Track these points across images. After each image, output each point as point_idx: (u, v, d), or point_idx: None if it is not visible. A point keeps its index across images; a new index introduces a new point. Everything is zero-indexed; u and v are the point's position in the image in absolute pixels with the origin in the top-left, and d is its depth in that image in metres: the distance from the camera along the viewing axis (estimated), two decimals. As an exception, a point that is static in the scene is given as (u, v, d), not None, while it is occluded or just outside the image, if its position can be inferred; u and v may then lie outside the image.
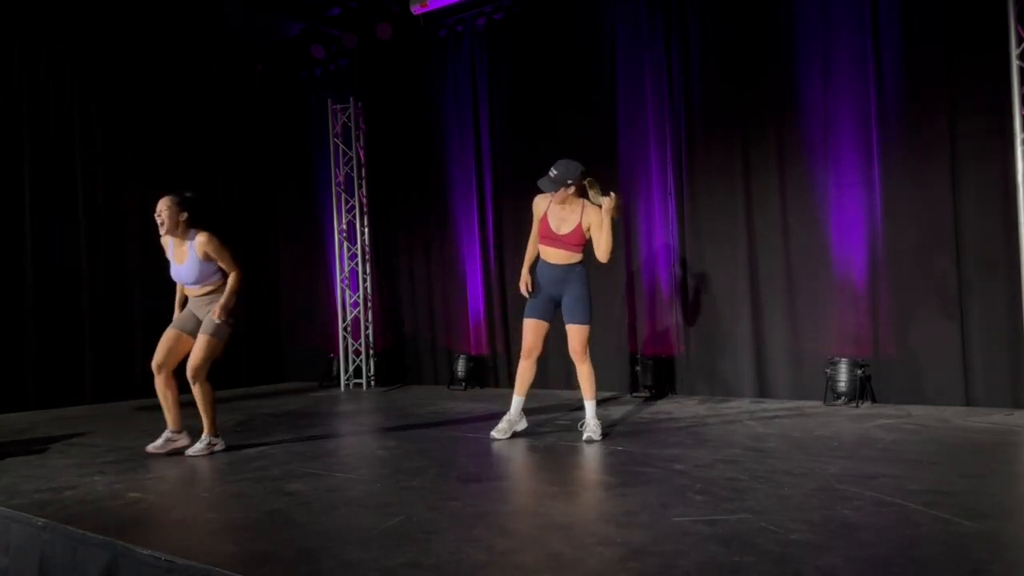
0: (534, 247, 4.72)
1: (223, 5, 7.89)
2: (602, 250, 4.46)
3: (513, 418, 4.76)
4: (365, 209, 8.43)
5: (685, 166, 6.46)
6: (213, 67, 8.81)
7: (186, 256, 4.47)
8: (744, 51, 6.14)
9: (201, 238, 4.42)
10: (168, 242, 4.55)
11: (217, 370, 8.66)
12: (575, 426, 4.74)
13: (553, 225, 4.56)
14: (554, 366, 6.78)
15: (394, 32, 7.96)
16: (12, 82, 7.20)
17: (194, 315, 4.58)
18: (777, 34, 5.99)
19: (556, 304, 4.63)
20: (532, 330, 4.64)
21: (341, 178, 8.40)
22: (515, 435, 4.76)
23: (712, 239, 6.35)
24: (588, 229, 4.50)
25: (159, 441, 4.59)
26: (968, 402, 5.26)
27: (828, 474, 3.47)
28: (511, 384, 4.86)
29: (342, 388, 8.20)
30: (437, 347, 8.15)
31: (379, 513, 3.12)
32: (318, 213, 9.01)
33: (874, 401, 5.61)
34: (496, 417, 4.92)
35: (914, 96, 5.45)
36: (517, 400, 4.75)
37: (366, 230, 8.43)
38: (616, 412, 5.66)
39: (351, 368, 8.32)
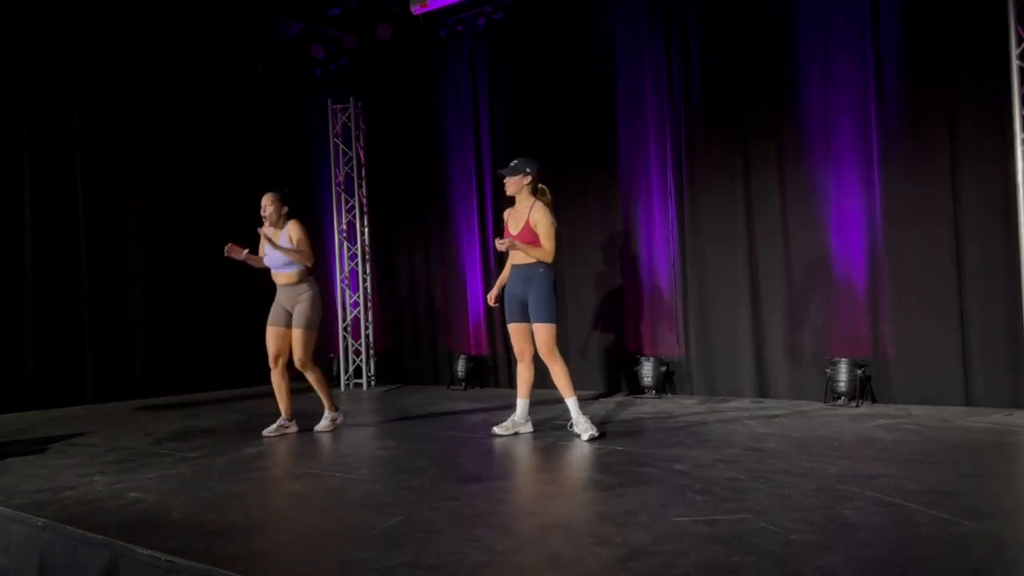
0: (509, 263, 4.82)
1: (223, 5, 7.89)
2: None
3: (518, 419, 4.85)
4: (365, 209, 8.44)
5: (685, 166, 6.46)
6: (213, 67, 8.81)
7: (278, 240, 4.99)
8: (744, 51, 6.14)
9: (292, 225, 5.02)
10: (265, 233, 5.06)
11: (217, 370, 8.74)
12: (567, 427, 4.74)
13: (511, 227, 4.70)
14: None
15: (394, 32, 7.96)
16: (12, 82, 7.20)
17: (283, 307, 5.05)
18: (777, 34, 5.99)
19: (525, 305, 4.67)
20: (515, 334, 4.76)
21: (341, 178, 8.40)
22: (518, 435, 4.80)
23: (712, 239, 6.34)
24: (536, 226, 4.56)
25: (273, 427, 5.10)
26: (968, 402, 5.26)
27: (828, 474, 3.47)
28: (511, 384, 4.89)
29: (342, 388, 8.20)
30: (437, 347, 8.15)
31: (379, 513, 3.12)
32: (318, 213, 9.00)
33: (874, 401, 5.61)
34: (495, 417, 4.95)
35: (914, 96, 5.45)
36: (521, 403, 4.84)
37: (366, 230, 8.43)
38: (616, 412, 5.66)
39: (351, 368, 8.32)
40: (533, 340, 4.72)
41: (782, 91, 5.97)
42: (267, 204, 5.03)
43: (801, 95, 5.90)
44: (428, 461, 4.11)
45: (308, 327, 4.96)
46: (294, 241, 4.97)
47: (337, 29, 8.31)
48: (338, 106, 8.40)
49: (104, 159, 7.83)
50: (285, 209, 5.09)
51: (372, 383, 8.25)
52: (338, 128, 8.41)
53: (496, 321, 7.62)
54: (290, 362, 5.06)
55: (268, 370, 5.10)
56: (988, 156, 5.17)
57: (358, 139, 8.47)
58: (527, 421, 4.88)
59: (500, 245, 4.55)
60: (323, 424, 5.17)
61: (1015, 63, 4.93)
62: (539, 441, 4.60)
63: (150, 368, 8.07)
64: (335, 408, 5.24)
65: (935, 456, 3.83)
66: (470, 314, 7.85)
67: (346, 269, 8.35)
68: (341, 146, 8.42)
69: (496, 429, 4.83)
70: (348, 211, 8.38)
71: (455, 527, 2.84)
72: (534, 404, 6.10)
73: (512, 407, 4.97)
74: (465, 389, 7.57)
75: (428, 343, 8.22)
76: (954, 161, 5.29)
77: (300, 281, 5.02)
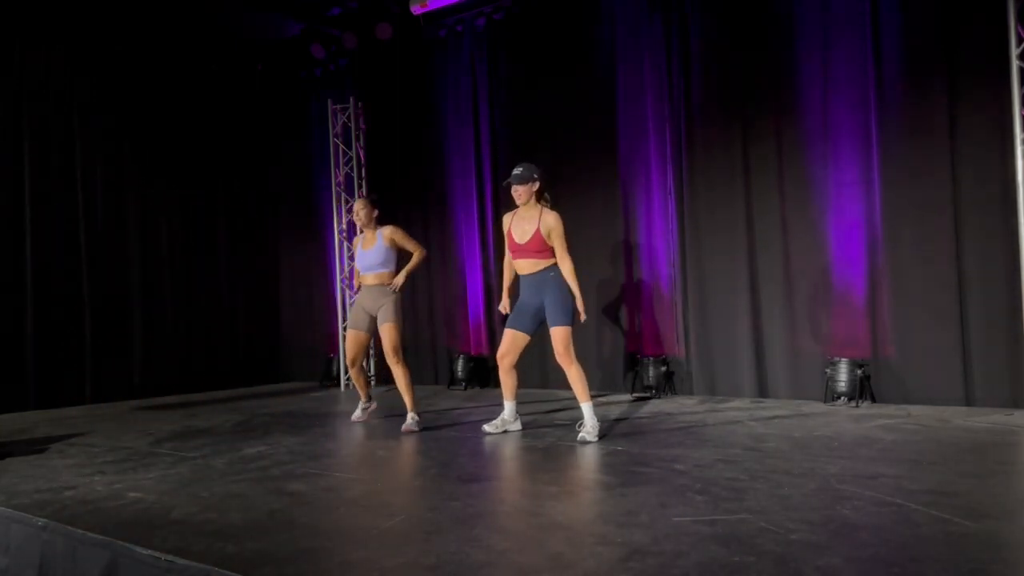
0: (508, 268, 4.84)
1: (223, 5, 7.89)
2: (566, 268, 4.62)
3: (507, 419, 4.91)
4: (365, 209, 8.43)
5: (685, 166, 6.46)
6: (213, 67, 8.81)
7: (373, 243, 5.31)
8: (743, 52, 6.14)
9: (388, 228, 5.33)
10: (359, 238, 5.44)
11: (217, 370, 8.73)
12: (574, 426, 4.74)
13: (516, 236, 4.65)
14: (554, 366, 6.73)
15: (394, 32, 7.96)
16: (12, 82, 7.20)
17: (364, 310, 5.35)
18: (777, 35, 5.99)
19: (541, 317, 4.66)
20: (506, 338, 4.76)
21: (341, 178, 8.41)
22: (508, 432, 4.86)
23: (712, 239, 6.35)
24: (548, 236, 4.55)
25: (358, 412, 5.67)
26: (968, 402, 5.27)
27: (828, 474, 3.47)
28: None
29: (342, 388, 8.20)
30: (437, 347, 8.15)
31: (379, 513, 3.12)
32: (318, 213, 9.01)
33: (874, 401, 5.61)
34: (495, 417, 4.96)
35: (914, 96, 5.45)
36: (508, 405, 4.90)
37: (366, 230, 8.43)
38: (616, 412, 5.66)
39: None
40: (521, 350, 4.76)
41: (782, 91, 5.97)
42: (358, 209, 5.37)
43: (801, 95, 5.90)
44: (428, 461, 4.11)
45: (394, 320, 5.22)
46: (396, 242, 5.29)
47: (337, 29, 8.31)
48: (338, 106, 8.40)
49: (104, 159, 7.83)
50: (376, 212, 5.37)
51: (372, 383, 8.24)
52: (338, 128, 8.41)
53: (496, 321, 7.62)
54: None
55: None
56: (988, 156, 5.18)
57: (358, 139, 8.47)
58: (516, 419, 4.95)
59: (503, 308, 4.87)
60: (409, 424, 5.14)
61: (1015, 63, 4.93)
62: (539, 441, 4.60)
63: (150, 368, 8.07)
64: (418, 411, 5.27)
65: (935, 456, 3.83)
66: (470, 314, 7.85)
67: (346, 269, 8.35)
68: (341, 146, 8.42)
69: (486, 427, 4.89)
70: (348, 211, 8.38)
71: (455, 527, 2.84)
72: (536, 404, 6.12)
73: (511, 407, 4.99)
74: (465, 389, 7.57)
75: (428, 343, 8.22)
76: (954, 161, 5.29)
77: (388, 282, 5.30)
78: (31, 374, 7.18)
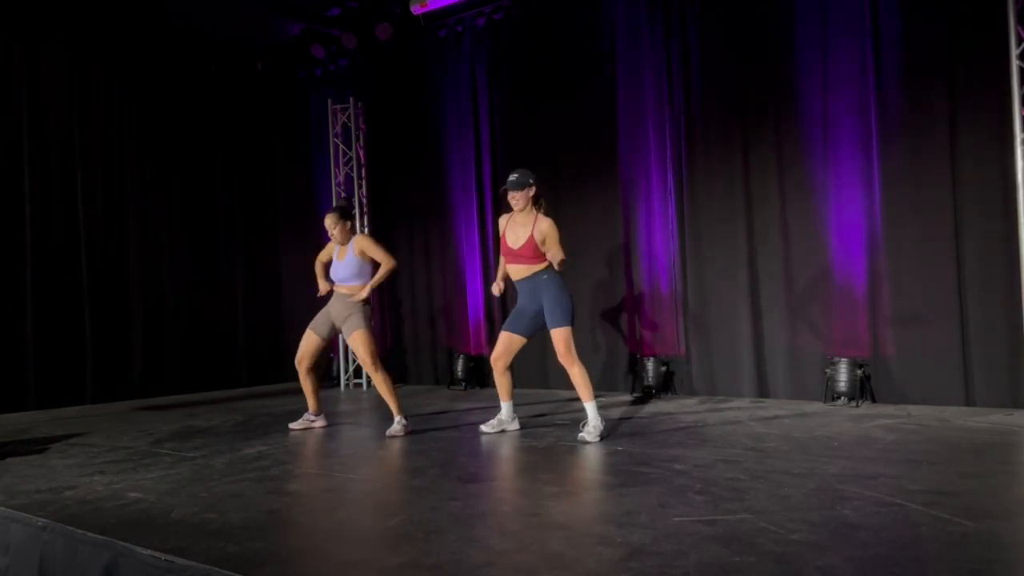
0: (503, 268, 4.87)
1: (224, 4, 7.88)
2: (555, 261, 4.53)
3: (504, 419, 4.93)
4: (365, 209, 8.44)
5: (685, 166, 6.46)
6: (213, 67, 8.81)
7: (345, 255, 5.11)
8: (743, 53, 6.13)
9: (357, 238, 5.14)
10: (334, 250, 5.22)
11: (218, 369, 8.72)
12: (574, 426, 4.75)
13: (510, 241, 4.65)
14: (554, 367, 6.74)
15: (394, 32, 7.96)
16: (12, 82, 7.19)
17: (329, 317, 5.19)
18: (776, 35, 5.99)
19: (540, 321, 4.65)
20: (501, 340, 4.77)
21: (341, 178, 8.40)
22: (506, 432, 4.88)
23: (712, 239, 6.34)
24: (543, 242, 4.54)
25: (300, 421, 5.38)
26: (968, 402, 5.26)
27: (828, 474, 3.47)
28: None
29: (342, 388, 8.20)
30: (437, 347, 8.15)
31: (379, 513, 3.12)
32: (318, 213, 8.99)
33: (874, 401, 5.61)
34: (495, 417, 4.96)
35: (913, 97, 5.44)
36: (505, 405, 4.92)
37: (366, 230, 8.43)
38: (616, 412, 5.66)
39: (351, 368, 8.32)
40: (515, 353, 4.77)
41: (782, 91, 5.97)
42: (329, 226, 5.10)
43: (801, 95, 5.90)
44: (428, 461, 4.11)
45: (363, 326, 5.03)
46: (367, 253, 5.06)
47: (337, 29, 8.31)
48: (338, 106, 8.40)
49: (104, 159, 7.82)
50: (348, 224, 5.17)
51: (372, 383, 8.24)
52: (338, 128, 8.41)
53: (496, 321, 7.62)
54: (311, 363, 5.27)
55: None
56: (988, 156, 5.17)
57: (358, 139, 8.47)
58: (513, 419, 4.96)
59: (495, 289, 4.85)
60: (395, 428, 4.97)
61: (1015, 63, 4.93)
62: (539, 441, 4.60)
63: (150, 368, 8.07)
64: (404, 415, 5.06)
65: (935, 456, 3.83)
66: (470, 314, 7.84)
67: (346, 269, 8.34)
68: (341, 146, 8.42)
69: (483, 427, 4.91)
70: (348, 211, 8.38)
71: (455, 527, 2.84)
72: (536, 404, 6.13)
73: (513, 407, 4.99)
74: (465, 389, 7.57)
75: (428, 343, 8.22)
76: (954, 161, 5.29)
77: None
78: (31, 374, 7.18)
